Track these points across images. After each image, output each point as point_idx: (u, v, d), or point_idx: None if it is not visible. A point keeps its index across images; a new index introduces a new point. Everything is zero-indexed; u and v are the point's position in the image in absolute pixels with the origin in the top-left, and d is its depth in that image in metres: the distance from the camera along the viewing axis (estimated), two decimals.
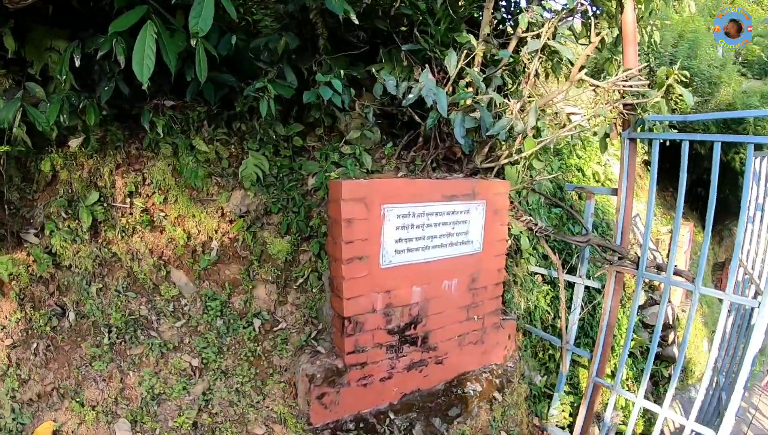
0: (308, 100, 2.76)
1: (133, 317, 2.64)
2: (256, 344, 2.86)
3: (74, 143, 2.54)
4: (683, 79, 2.94)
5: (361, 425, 2.83)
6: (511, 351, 3.69)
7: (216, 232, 3.02)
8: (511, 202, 3.64)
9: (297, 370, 2.80)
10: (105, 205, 2.68)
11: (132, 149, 2.80)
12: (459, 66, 2.94)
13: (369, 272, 2.72)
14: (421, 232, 2.87)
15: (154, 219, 2.85)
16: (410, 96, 2.80)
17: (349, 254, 2.64)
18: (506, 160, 3.38)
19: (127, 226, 2.74)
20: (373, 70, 3.05)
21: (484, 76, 3.05)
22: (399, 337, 2.93)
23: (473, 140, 3.15)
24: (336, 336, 2.86)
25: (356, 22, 2.44)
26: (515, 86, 3.39)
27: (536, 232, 3.48)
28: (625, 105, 3.01)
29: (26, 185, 2.55)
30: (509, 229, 3.55)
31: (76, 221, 2.58)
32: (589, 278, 3.61)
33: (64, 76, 2.22)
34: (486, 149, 3.45)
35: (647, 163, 8.06)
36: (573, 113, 5.04)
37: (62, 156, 2.59)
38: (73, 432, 2.27)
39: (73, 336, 2.50)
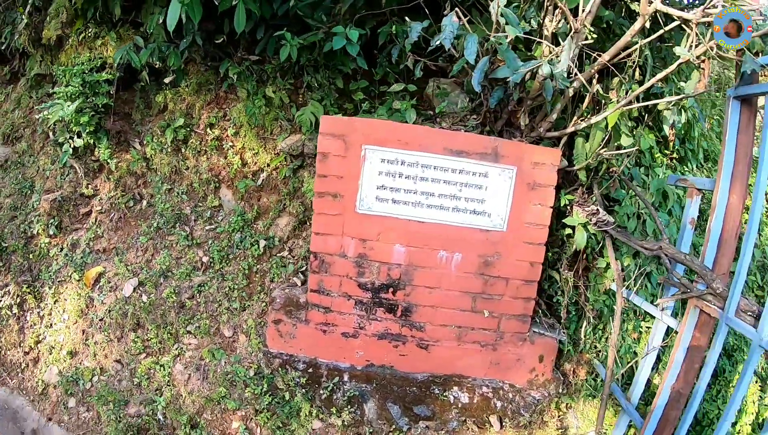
0: (328, 49, 2.94)
1: (178, 213, 3.39)
2: (256, 262, 3.22)
3: (167, 79, 3.45)
4: None
5: (310, 370, 2.84)
6: (541, 378, 2.91)
7: (267, 165, 3.51)
8: (579, 184, 2.88)
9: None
10: (188, 129, 3.51)
11: (220, 92, 3.56)
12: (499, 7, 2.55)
13: (342, 212, 2.69)
14: (412, 185, 2.64)
15: (223, 146, 3.54)
16: (434, 43, 2.61)
17: (321, 188, 2.69)
18: (573, 129, 2.71)
19: (199, 148, 3.51)
20: (407, 19, 2.95)
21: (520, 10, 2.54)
22: (372, 295, 2.77)
23: (506, 94, 2.66)
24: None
25: None
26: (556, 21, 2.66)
27: (595, 223, 2.64)
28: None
29: (146, 110, 3.60)
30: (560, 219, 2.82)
31: (165, 138, 3.50)
32: (676, 315, 2.50)
33: (151, 32, 3.08)
34: (555, 115, 2.84)
35: None
36: None
37: (172, 93, 3.53)
38: (108, 277, 3.15)
39: (138, 216, 3.42)
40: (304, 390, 2.79)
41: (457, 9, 2.57)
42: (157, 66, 3.42)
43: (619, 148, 2.71)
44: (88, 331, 3.03)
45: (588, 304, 3.12)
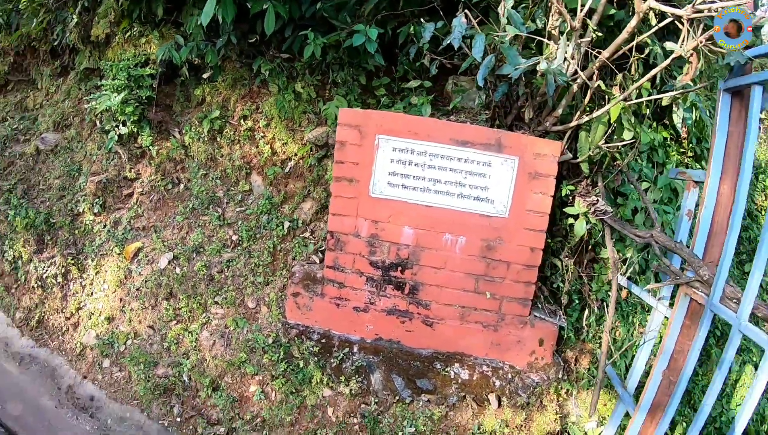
0: (348, 45, 3.24)
1: (212, 196, 3.73)
2: (280, 241, 3.51)
3: (205, 75, 3.81)
4: None
5: (323, 341, 3.10)
6: (541, 362, 3.08)
7: (295, 154, 3.83)
8: (584, 177, 3.07)
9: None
10: (223, 120, 3.86)
11: (254, 87, 3.90)
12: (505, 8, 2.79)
13: (357, 196, 2.97)
14: (421, 172, 2.89)
15: (255, 136, 3.87)
16: (445, 42, 2.86)
17: (339, 173, 2.97)
18: (576, 123, 2.91)
19: (233, 138, 3.86)
20: (422, 21, 3.21)
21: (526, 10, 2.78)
22: (382, 273, 3.03)
23: (512, 90, 2.89)
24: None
25: None
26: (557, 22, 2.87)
27: (593, 212, 2.82)
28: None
29: (185, 103, 3.98)
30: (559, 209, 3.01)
31: (202, 128, 3.86)
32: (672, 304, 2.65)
33: (191, 31, 3.45)
34: (560, 110, 3.05)
35: None
36: None
37: (210, 87, 3.90)
38: (146, 252, 3.50)
39: (176, 198, 3.78)
40: (316, 358, 3.06)
41: (466, 11, 2.82)
42: (196, 63, 3.79)
43: (621, 141, 2.90)
44: (125, 299, 3.38)
45: (591, 293, 3.29)
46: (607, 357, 2.86)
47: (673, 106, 3.04)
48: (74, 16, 3.89)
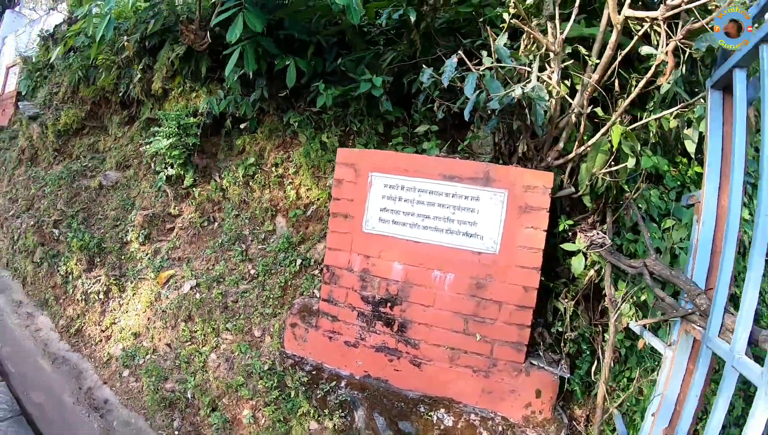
0: (357, 93, 3.56)
1: (239, 233, 4.13)
2: (292, 277, 3.74)
3: (243, 125, 4.35)
4: None
5: (314, 372, 3.18)
6: (539, 416, 2.84)
7: (318, 199, 4.15)
8: (591, 213, 2.94)
9: None
10: (257, 167, 4.33)
11: (286, 137, 4.37)
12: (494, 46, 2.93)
13: (351, 231, 3.13)
14: (410, 208, 2.99)
15: (284, 182, 4.28)
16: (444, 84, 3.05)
17: (335, 209, 3.18)
18: (574, 154, 2.87)
19: (264, 183, 4.29)
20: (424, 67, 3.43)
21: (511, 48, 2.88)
22: (373, 308, 3.08)
23: (510, 126, 2.94)
24: None
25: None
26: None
27: (590, 246, 2.66)
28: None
29: (228, 151, 4.55)
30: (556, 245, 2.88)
31: (238, 173, 4.35)
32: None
33: (229, 86, 4.03)
34: (562, 144, 3.03)
35: None
36: None
37: (250, 137, 4.44)
38: (176, 279, 3.93)
39: (209, 234, 4.23)
40: (304, 388, 3.12)
41: (460, 52, 3.00)
42: (237, 115, 4.36)
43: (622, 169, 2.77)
44: (151, 319, 3.79)
45: (604, 343, 3.02)
46: (603, 412, 2.57)
47: (685, 127, 2.85)
48: (138, 72, 4.74)
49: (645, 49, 2.43)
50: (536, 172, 2.83)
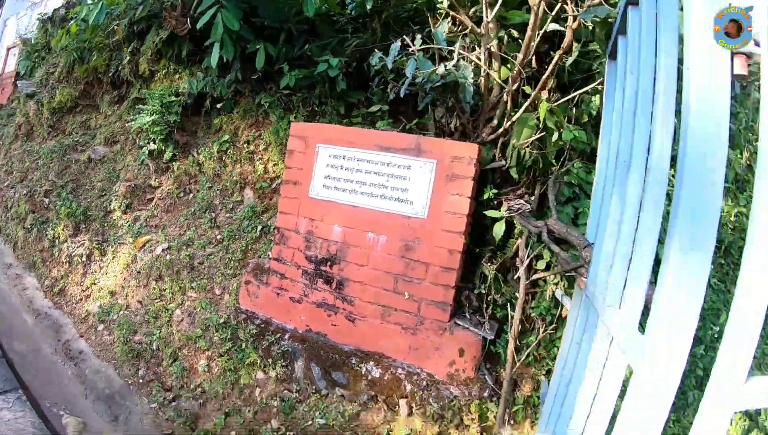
0: (316, 72, 3.83)
1: (210, 203, 4.46)
2: (253, 242, 4.05)
3: (219, 105, 4.67)
4: None
5: (263, 326, 3.47)
6: (462, 375, 3.05)
7: (283, 173, 4.44)
8: (522, 184, 3.15)
9: None
10: (230, 143, 4.65)
11: (259, 117, 4.68)
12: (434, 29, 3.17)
13: (299, 196, 3.42)
14: (350, 175, 3.26)
15: (254, 157, 4.59)
16: (385, 65, 3.30)
17: (287, 177, 3.47)
18: (503, 129, 3.09)
19: (236, 158, 4.61)
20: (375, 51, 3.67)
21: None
22: (315, 267, 3.36)
23: (444, 105, 3.17)
24: None
25: None
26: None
27: (508, 210, 2.88)
28: None
29: (207, 129, 4.88)
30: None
31: (213, 149, 4.68)
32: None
33: (206, 67, 4.36)
34: (496, 120, 3.25)
35: None
36: None
37: (227, 117, 4.76)
38: (151, 243, 4.29)
39: (184, 204, 4.58)
40: (253, 340, 3.42)
41: (405, 37, 3.25)
42: (215, 96, 4.69)
43: (551, 142, 2.97)
44: (127, 279, 4.15)
45: (532, 310, 3.21)
46: (512, 367, 2.78)
47: None
48: (127, 55, 5.12)
49: (551, 26, 2.63)
50: (463, 144, 3.05)
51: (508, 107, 3.07)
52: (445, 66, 2.77)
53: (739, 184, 4.18)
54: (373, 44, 4.09)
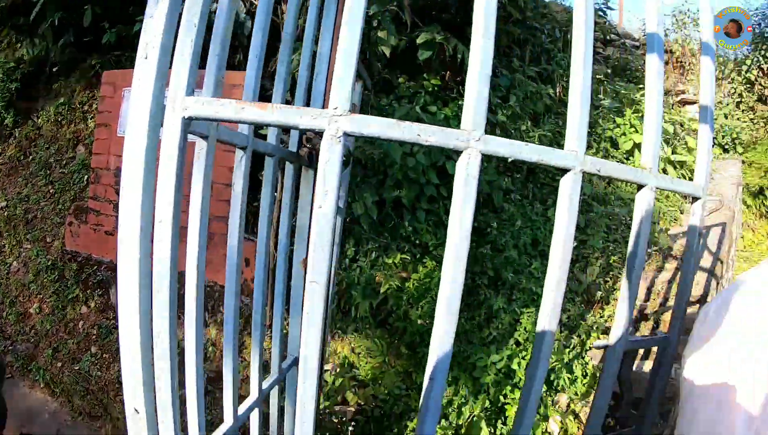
0: (134, 31, 4.06)
1: (46, 162, 4.62)
2: (80, 191, 4.24)
3: (55, 69, 4.84)
4: None
5: (83, 262, 3.73)
6: (252, 284, 3.39)
7: None
8: None
9: None
10: (67, 106, 4.79)
11: (92, 79, 4.82)
12: None
13: (109, 137, 3.69)
14: None
15: (87, 117, 4.67)
16: None
17: (100, 120, 3.75)
18: None
19: (71, 119, 4.78)
20: None
21: None
22: None
23: None
24: None
25: None
26: None
27: None
28: None
29: (48, 94, 5.02)
30: None
31: (50, 113, 4.83)
32: None
33: (43, 33, 4.53)
34: None
35: None
36: None
37: (65, 81, 4.91)
38: None
39: (24, 166, 4.71)
40: (75, 276, 3.67)
41: None
42: (55, 61, 4.85)
43: None
44: None
45: None
46: None
47: None
48: None
49: None
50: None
51: None
52: None
53: None
54: None
